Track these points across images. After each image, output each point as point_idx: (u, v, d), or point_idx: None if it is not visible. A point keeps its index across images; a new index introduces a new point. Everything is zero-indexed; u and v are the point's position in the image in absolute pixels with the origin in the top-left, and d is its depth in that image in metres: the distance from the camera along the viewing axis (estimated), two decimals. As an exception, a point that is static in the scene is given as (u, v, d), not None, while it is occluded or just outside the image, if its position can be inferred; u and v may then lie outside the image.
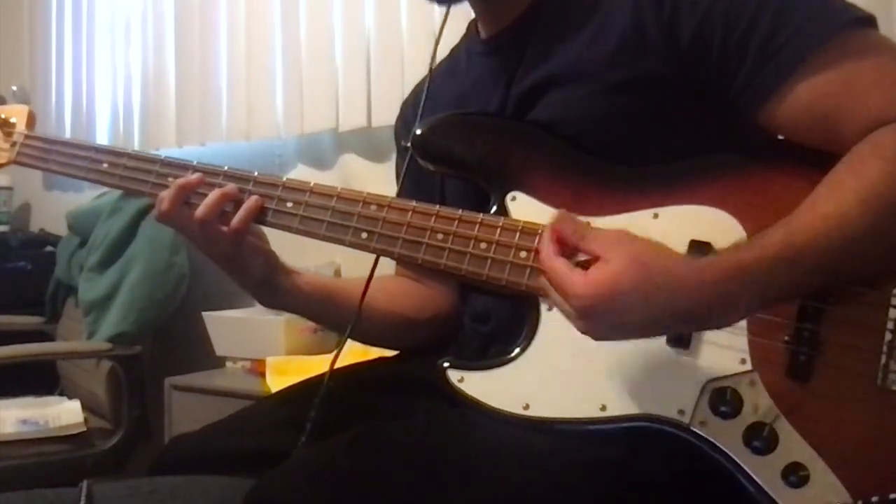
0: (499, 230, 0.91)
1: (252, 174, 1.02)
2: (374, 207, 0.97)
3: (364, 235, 0.97)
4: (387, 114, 2.06)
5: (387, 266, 1.10)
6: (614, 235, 0.79)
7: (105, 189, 2.14)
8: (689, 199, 0.88)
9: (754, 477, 0.81)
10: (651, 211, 0.89)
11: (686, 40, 0.89)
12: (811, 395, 0.82)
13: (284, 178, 1.01)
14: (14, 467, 1.85)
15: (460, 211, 0.94)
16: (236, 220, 0.99)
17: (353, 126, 2.18)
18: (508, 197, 0.93)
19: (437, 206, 0.95)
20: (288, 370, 1.84)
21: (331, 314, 1.13)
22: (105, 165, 1.09)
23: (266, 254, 1.06)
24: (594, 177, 0.93)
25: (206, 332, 2.13)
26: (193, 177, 1.02)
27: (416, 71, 1.99)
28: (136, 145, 2.61)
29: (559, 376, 0.88)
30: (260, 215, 1.01)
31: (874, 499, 0.78)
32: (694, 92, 0.90)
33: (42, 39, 3.00)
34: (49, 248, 2.74)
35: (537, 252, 0.81)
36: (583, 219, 0.90)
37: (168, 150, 2.48)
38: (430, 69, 1.11)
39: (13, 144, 1.17)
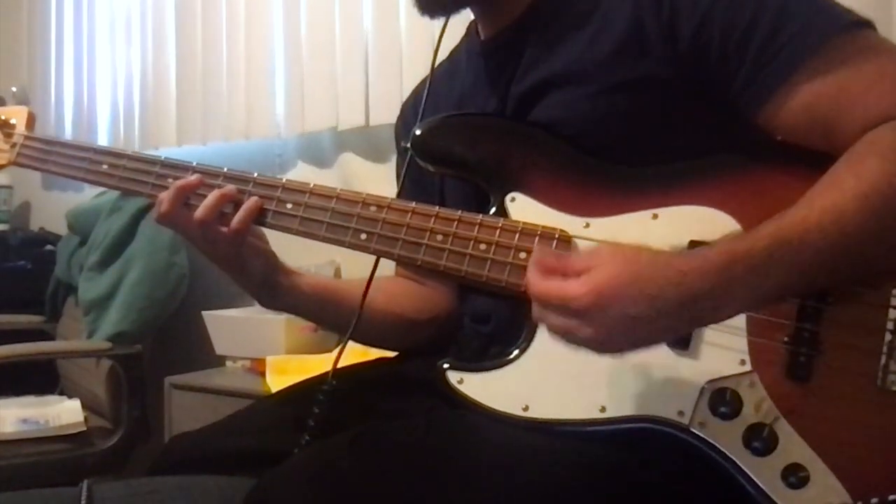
0: (498, 231, 0.91)
1: (252, 175, 1.02)
2: (373, 208, 0.97)
3: (364, 236, 0.97)
4: (385, 113, 2.06)
5: (387, 267, 1.10)
6: (596, 248, 0.80)
7: (105, 189, 2.14)
8: (688, 199, 0.88)
9: (754, 478, 0.81)
10: (651, 211, 0.89)
11: (685, 41, 0.89)
12: (811, 396, 0.82)
13: (284, 180, 1.01)
14: (14, 467, 1.84)
15: (460, 212, 0.94)
16: (236, 220, 0.99)
17: (351, 125, 2.18)
18: (508, 198, 0.93)
19: (437, 208, 0.95)
20: (288, 369, 1.84)
21: (331, 315, 1.13)
22: (105, 167, 1.09)
23: (266, 254, 1.06)
24: (594, 177, 0.93)
25: (206, 332, 2.12)
26: (193, 178, 1.02)
27: (414, 71, 1.99)
28: (136, 145, 2.61)
29: (559, 377, 0.88)
30: (259, 216, 1.01)
31: (874, 500, 0.78)
32: (694, 93, 0.91)
33: (42, 40, 2.99)
34: (49, 248, 2.74)
35: (526, 285, 0.79)
36: (582, 219, 0.90)
37: (168, 150, 2.48)
38: (432, 70, 1.11)
39: (13, 145, 1.17)
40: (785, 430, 0.81)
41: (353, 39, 2.18)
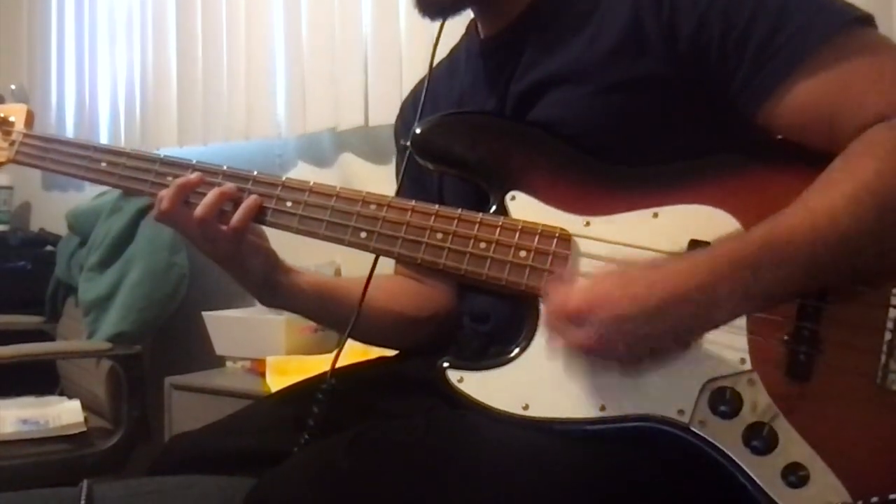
0: (498, 230, 0.91)
1: (251, 173, 1.02)
2: (373, 207, 0.97)
3: (363, 235, 0.97)
4: (385, 113, 2.06)
5: (386, 265, 1.10)
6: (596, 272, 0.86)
7: (105, 188, 2.14)
8: (688, 198, 0.88)
9: (754, 477, 0.81)
10: (651, 210, 0.89)
11: (685, 40, 0.89)
12: (811, 395, 0.82)
13: (284, 178, 1.01)
14: (14, 467, 1.85)
15: (460, 210, 0.94)
16: (235, 219, 0.99)
17: (350, 125, 2.18)
18: (508, 196, 0.93)
19: (437, 206, 0.95)
20: (288, 370, 1.83)
21: (331, 313, 1.13)
22: (104, 164, 1.09)
23: (266, 252, 1.06)
24: (594, 176, 0.93)
25: (206, 332, 2.12)
26: (193, 176, 1.02)
27: (414, 71, 1.99)
28: (137, 145, 2.59)
29: (559, 376, 0.88)
30: (259, 215, 1.00)
31: (874, 499, 0.78)
32: (693, 92, 0.90)
33: (42, 38, 2.99)
34: (49, 248, 2.74)
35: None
36: (582, 218, 0.90)
37: (169, 150, 2.47)
38: (430, 69, 1.11)
39: (12, 143, 1.17)
40: (785, 428, 0.81)
41: (353, 40, 2.18)
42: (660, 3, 0.90)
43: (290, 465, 0.88)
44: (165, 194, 1.00)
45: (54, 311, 2.56)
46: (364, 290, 1.06)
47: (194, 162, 1.05)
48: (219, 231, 0.99)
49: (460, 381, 0.91)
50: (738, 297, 0.78)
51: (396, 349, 1.21)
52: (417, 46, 2.02)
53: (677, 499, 0.84)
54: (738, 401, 0.82)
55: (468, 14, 1.08)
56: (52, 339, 2.48)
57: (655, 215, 0.89)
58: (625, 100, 0.92)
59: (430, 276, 1.17)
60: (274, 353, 1.94)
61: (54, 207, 2.86)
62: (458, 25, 1.13)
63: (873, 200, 0.77)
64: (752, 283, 0.77)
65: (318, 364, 1.46)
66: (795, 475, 0.80)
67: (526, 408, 0.88)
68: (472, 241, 0.92)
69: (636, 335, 0.79)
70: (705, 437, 0.83)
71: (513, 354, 0.90)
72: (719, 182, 0.89)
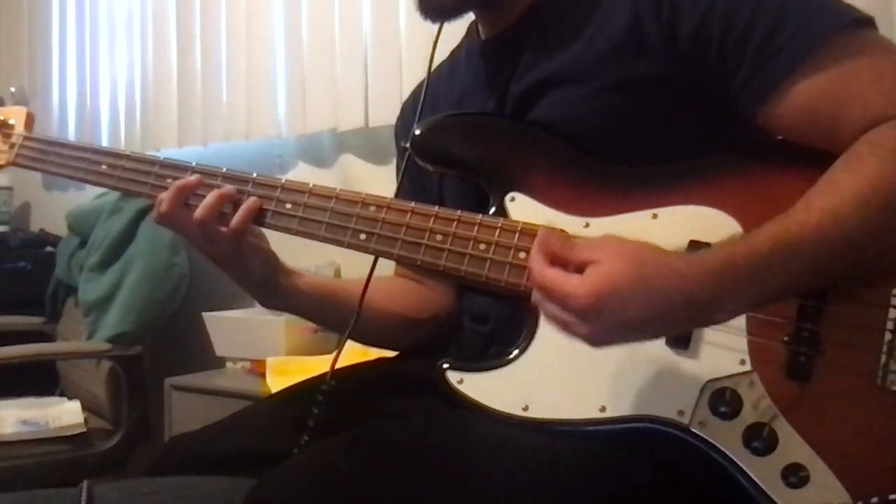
0: (498, 231, 0.91)
1: (251, 175, 1.02)
2: (373, 208, 0.97)
3: (363, 236, 0.97)
4: (385, 114, 2.06)
5: (386, 266, 1.10)
6: (603, 239, 0.80)
7: (105, 189, 2.14)
8: (688, 199, 0.88)
9: (754, 478, 0.81)
10: (650, 211, 0.89)
11: (685, 40, 0.89)
12: (811, 396, 0.82)
13: (283, 180, 1.01)
14: (14, 467, 1.85)
15: (459, 212, 0.94)
16: (235, 220, 0.99)
17: (350, 126, 2.18)
18: (507, 198, 0.93)
19: (436, 208, 0.95)
20: (288, 370, 1.83)
21: (331, 315, 1.13)
22: (104, 167, 1.09)
23: (266, 254, 1.06)
24: (594, 177, 0.93)
25: (206, 333, 2.12)
26: (192, 178, 1.02)
27: (414, 72, 1.99)
28: (137, 146, 2.61)
29: (558, 377, 0.88)
30: (259, 216, 1.00)
31: (874, 499, 0.78)
32: (693, 92, 0.90)
33: (43, 41, 2.99)
34: (49, 249, 2.74)
35: (528, 270, 0.79)
36: (582, 219, 0.90)
37: (169, 151, 2.48)
38: (429, 71, 1.11)
39: (12, 146, 1.17)
40: (785, 429, 0.81)
41: (353, 40, 2.18)
42: (660, 3, 0.90)
43: (290, 465, 0.89)
44: (164, 197, 1.00)
45: (54, 311, 2.56)
46: (363, 291, 1.06)
47: (194, 164, 1.05)
48: (218, 233, 1.00)
49: (460, 382, 0.91)
50: (746, 300, 0.77)
51: (396, 350, 1.21)
52: (417, 47, 2.02)
53: (677, 499, 0.84)
54: (738, 401, 0.82)
55: (469, 16, 1.08)
56: (52, 339, 2.48)
57: (655, 216, 0.89)
58: (625, 100, 0.92)
59: (429, 276, 1.17)
60: (274, 354, 1.94)
61: (54, 208, 2.86)
62: (459, 26, 1.13)
63: (878, 200, 0.77)
64: (762, 285, 0.76)
65: (318, 365, 1.46)
66: (795, 476, 0.80)
67: (526, 409, 0.88)
68: (471, 242, 0.92)
69: (638, 333, 0.78)
70: (705, 437, 0.83)
71: (513, 355, 0.90)
72: (719, 183, 0.89)
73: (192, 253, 2.20)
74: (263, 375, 1.90)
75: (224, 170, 1.03)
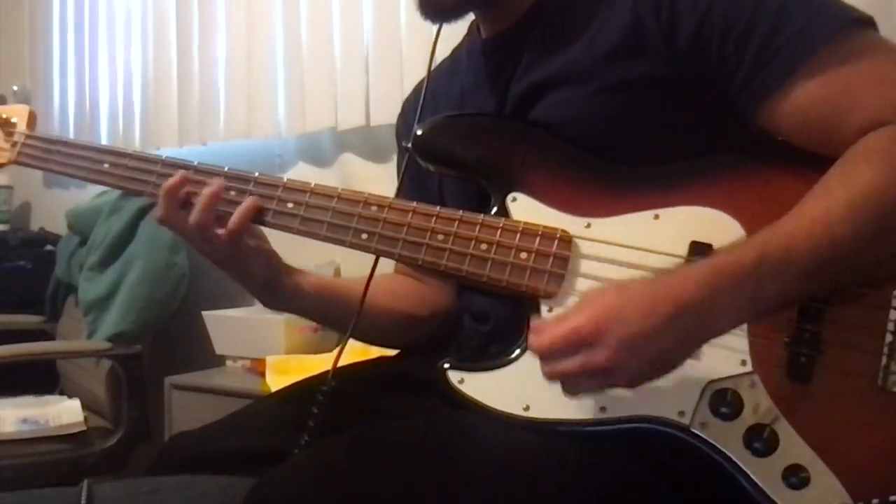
0: (499, 231, 0.91)
1: (253, 174, 1.02)
2: (374, 208, 0.97)
3: (364, 236, 0.97)
4: (385, 113, 2.06)
5: (387, 265, 1.10)
6: (584, 294, 0.86)
7: (106, 188, 2.14)
8: (689, 200, 0.88)
9: (754, 479, 0.81)
10: (652, 212, 0.89)
11: (685, 41, 0.89)
12: (812, 397, 0.82)
13: (285, 179, 1.01)
14: (14, 466, 1.84)
15: (461, 212, 0.94)
16: (233, 221, 0.99)
17: (351, 125, 2.18)
18: (509, 198, 0.93)
19: (438, 208, 0.95)
20: (288, 369, 1.83)
21: (332, 314, 1.13)
22: (106, 166, 1.09)
23: (267, 254, 1.06)
24: (594, 177, 0.93)
25: (206, 332, 2.12)
26: (176, 177, 1.01)
27: (414, 71, 1.99)
28: (137, 145, 2.61)
29: (559, 377, 0.88)
30: (260, 216, 1.00)
31: (874, 500, 0.78)
32: (693, 92, 0.90)
33: (43, 39, 2.99)
34: (49, 248, 2.74)
35: (528, 344, 0.82)
36: (584, 219, 0.90)
37: (169, 150, 2.48)
38: (429, 70, 1.11)
39: (14, 144, 1.17)
40: (785, 430, 0.81)
41: (353, 40, 2.18)
42: (660, 4, 0.90)
43: (290, 465, 0.89)
44: (158, 203, 1.01)
45: (54, 310, 2.56)
46: (365, 290, 1.06)
47: (195, 163, 1.05)
48: (216, 235, 0.99)
49: (461, 382, 0.91)
50: (738, 309, 0.78)
51: (397, 348, 1.21)
52: (418, 46, 2.02)
53: (677, 500, 0.84)
54: (738, 402, 0.83)
55: (469, 16, 1.08)
56: (52, 338, 2.48)
57: (656, 217, 0.89)
58: (625, 100, 0.92)
59: (430, 275, 1.17)
60: (274, 353, 1.94)
61: (54, 207, 2.86)
62: (459, 26, 1.13)
63: (869, 208, 0.77)
64: (751, 293, 0.77)
65: (318, 364, 1.46)
66: (796, 477, 0.80)
67: (527, 409, 0.88)
68: (473, 242, 0.92)
69: (652, 352, 0.77)
70: (706, 438, 0.83)
71: (513, 355, 0.90)
72: (720, 183, 0.89)
73: (192, 252, 2.20)
74: (263, 374, 1.90)
75: (226, 169, 1.03)
